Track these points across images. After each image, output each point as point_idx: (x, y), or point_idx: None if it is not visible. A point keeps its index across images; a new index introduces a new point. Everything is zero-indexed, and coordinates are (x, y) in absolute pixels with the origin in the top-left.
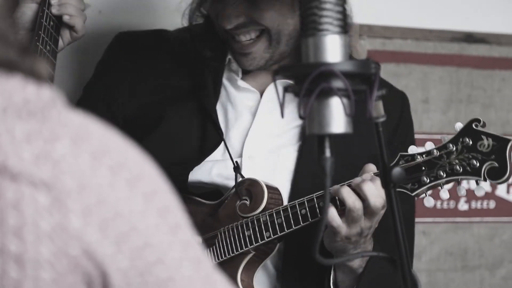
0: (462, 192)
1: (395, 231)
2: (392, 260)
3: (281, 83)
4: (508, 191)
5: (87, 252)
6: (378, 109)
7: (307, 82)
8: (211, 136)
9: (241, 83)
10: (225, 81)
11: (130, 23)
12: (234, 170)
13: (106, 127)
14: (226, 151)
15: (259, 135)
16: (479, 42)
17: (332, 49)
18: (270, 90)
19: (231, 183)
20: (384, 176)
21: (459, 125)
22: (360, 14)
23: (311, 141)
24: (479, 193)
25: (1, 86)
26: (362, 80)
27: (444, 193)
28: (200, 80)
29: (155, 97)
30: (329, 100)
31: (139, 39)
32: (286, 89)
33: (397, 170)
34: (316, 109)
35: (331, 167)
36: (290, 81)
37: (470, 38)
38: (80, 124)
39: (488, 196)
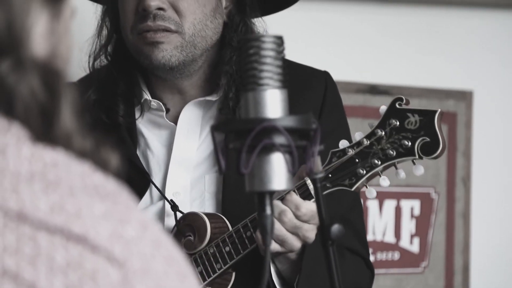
0: (402, 175)
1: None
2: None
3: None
4: (411, 242)
5: None
6: (317, 165)
7: (250, 138)
8: (137, 182)
9: (163, 120)
10: (141, 127)
11: None
12: (172, 209)
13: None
14: (151, 195)
15: (179, 168)
16: (383, 93)
17: (273, 104)
18: (183, 118)
19: (171, 222)
20: (323, 234)
21: (383, 108)
22: None
23: (231, 162)
24: (418, 172)
25: (75, 169)
26: (301, 135)
27: (384, 181)
28: (115, 133)
29: None
30: (270, 156)
31: None
32: (214, 128)
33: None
34: (257, 165)
35: (272, 225)
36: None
37: (374, 89)
38: (142, 213)
39: (392, 247)
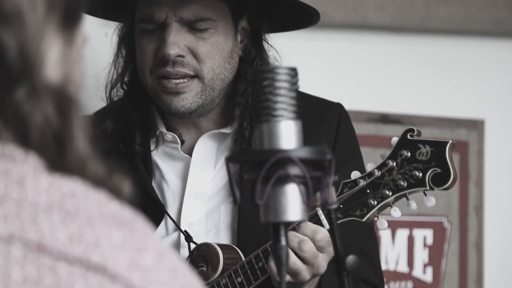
0: (413, 206)
1: None
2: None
3: (224, 151)
4: (424, 272)
5: None
6: (332, 196)
7: (265, 169)
8: (152, 213)
9: (178, 152)
10: (156, 159)
11: None
12: (186, 240)
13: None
14: (166, 226)
15: (194, 200)
16: (394, 123)
17: (287, 135)
18: (198, 150)
19: (185, 253)
20: (338, 265)
21: (394, 140)
22: None
23: (246, 193)
24: (429, 203)
25: (92, 198)
26: (315, 166)
27: (395, 212)
28: (131, 164)
29: None
30: (285, 187)
31: None
32: (229, 159)
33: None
34: (271, 196)
35: (287, 256)
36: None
37: (385, 119)
38: (158, 241)
39: (405, 277)
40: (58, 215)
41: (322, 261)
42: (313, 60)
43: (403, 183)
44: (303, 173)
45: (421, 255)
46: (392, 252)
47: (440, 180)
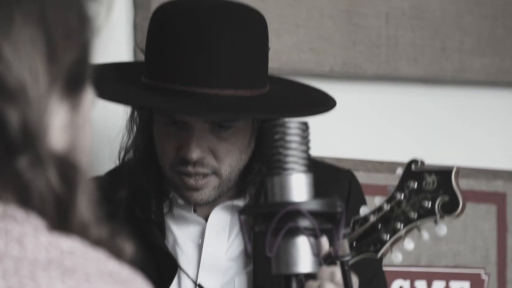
0: (425, 237)
1: None
2: None
3: (235, 208)
4: None
5: None
6: (344, 248)
7: (274, 221)
8: (166, 269)
9: (191, 216)
10: (170, 223)
11: None
12: None
13: None
14: (178, 282)
15: (210, 273)
16: None
17: (298, 188)
18: (211, 222)
19: None
20: None
21: (399, 171)
22: (312, 146)
23: (260, 261)
24: (440, 232)
25: (90, 256)
26: (327, 218)
27: (409, 244)
28: (144, 226)
29: None
30: (295, 239)
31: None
32: (241, 211)
33: None
34: (282, 248)
35: None
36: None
37: None
38: None
39: None
40: (56, 272)
41: None
42: (346, 113)
43: (413, 215)
44: (313, 226)
45: None
46: None
47: (450, 208)
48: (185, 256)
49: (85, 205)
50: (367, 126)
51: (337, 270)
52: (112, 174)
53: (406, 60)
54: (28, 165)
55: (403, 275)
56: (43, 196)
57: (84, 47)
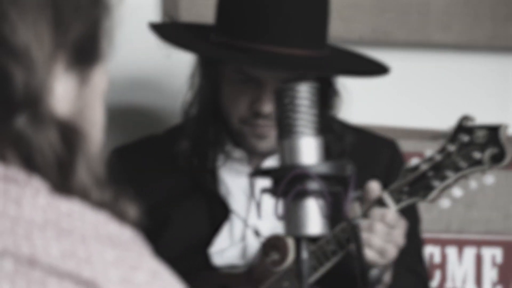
0: (473, 186)
1: None
2: None
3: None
4: None
5: None
6: (354, 211)
7: (282, 184)
8: (218, 213)
9: (244, 168)
10: (223, 174)
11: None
12: (255, 234)
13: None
14: (231, 234)
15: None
16: None
17: (307, 151)
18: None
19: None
20: (362, 278)
21: (451, 127)
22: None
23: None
24: (489, 181)
25: (89, 219)
26: (338, 181)
27: (458, 191)
28: (199, 174)
29: (157, 203)
30: (304, 202)
31: (133, 152)
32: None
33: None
34: (292, 210)
35: (307, 270)
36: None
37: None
38: (155, 263)
39: None
40: (52, 232)
41: (400, 236)
42: (377, 80)
43: (464, 164)
44: (321, 188)
45: (490, 274)
46: (459, 271)
47: (498, 159)
48: (236, 204)
49: (84, 171)
50: (397, 93)
51: (388, 212)
52: (172, 130)
53: (438, 27)
54: (28, 122)
55: (434, 241)
56: (44, 155)
57: (93, 24)
